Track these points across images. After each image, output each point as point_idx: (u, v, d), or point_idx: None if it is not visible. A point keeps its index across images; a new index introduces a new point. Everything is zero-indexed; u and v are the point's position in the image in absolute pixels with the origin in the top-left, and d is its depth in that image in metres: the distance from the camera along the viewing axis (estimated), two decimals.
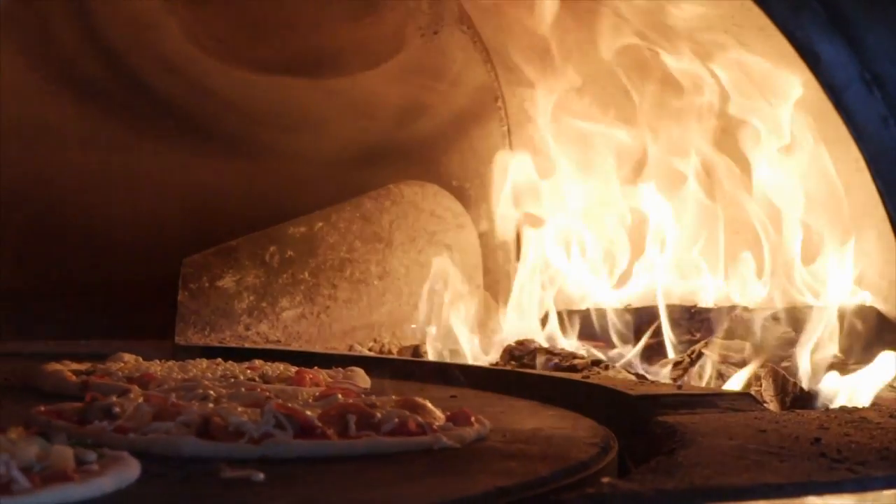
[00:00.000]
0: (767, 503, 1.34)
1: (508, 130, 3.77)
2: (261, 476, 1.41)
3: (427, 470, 1.53)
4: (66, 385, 2.21)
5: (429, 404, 1.76)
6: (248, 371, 2.30)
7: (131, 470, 1.37)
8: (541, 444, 1.73)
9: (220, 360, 2.43)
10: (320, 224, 3.47)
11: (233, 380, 2.16)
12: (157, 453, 1.51)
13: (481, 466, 1.55)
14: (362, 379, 2.33)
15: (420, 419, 1.68)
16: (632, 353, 2.92)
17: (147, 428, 1.60)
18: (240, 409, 1.66)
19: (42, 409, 1.77)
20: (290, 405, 1.67)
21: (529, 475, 1.47)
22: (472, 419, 1.75)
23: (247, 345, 3.19)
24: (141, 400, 1.73)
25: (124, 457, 1.40)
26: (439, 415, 1.74)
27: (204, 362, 2.39)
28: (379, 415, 1.66)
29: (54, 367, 2.36)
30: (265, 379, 2.23)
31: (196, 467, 1.46)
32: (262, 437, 1.56)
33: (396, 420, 1.65)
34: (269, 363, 2.40)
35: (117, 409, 1.67)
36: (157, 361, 2.40)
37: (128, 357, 2.45)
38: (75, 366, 2.37)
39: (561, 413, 2.04)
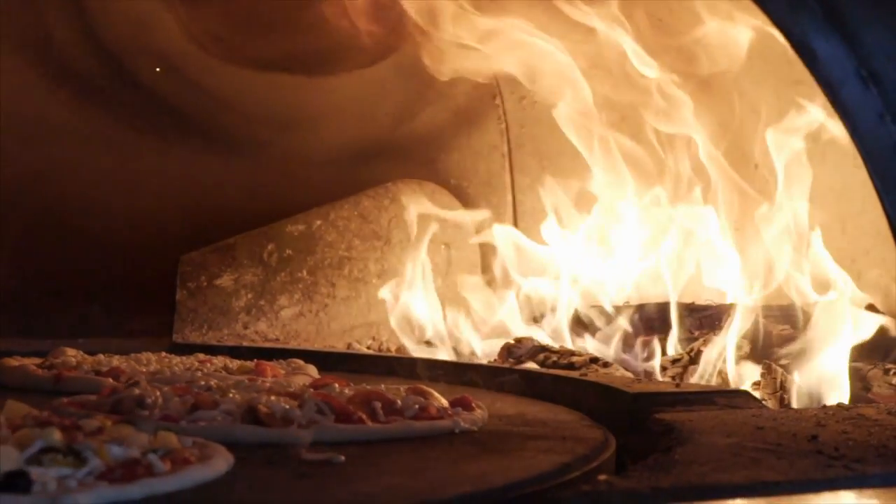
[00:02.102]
0: (764, 500, 1.34)
1: (507, 128, 3.77)
2: (341, 458, 1.48)
3: (479, 450, 1.64)
4: (36, 380, 2.23)
5: (434, 392, 1.85)
6: (208, 364, 2.35)
7: (228, 454, 1.42)
8: (542, 426, 1.84)
9: (164, 353, 2.48)
10: (319, 222, 3.47)
11: (199, 372, 2.21)
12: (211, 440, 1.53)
13: (518, 446, 1.66)
14: (312, 370, 2.38)
15: (436, 404, 1.80)
16: (630, 351, 2.92)
17: (193, 416, 1.66)
18: (272, 397, 1.73)
19: (65, 400, 1.80)
20: (325, 393, 1.77)
21: (573, 453, 1.59)
22: (474, 404, 1.85)
23: (245, 343, 3.19)
24: (158, 393, 1.77)
25: (210, 443, 1.45)
26: (444, 401, 1.83)
27: (153, 356, 2.43)
28: (399, 401, 1.76)
29: (12, 362, 2.37)
30: (228, 371, 2.28)
31: (266, 452, 1.52)
32: (308, 423, 1.65)
33: (417, 406, 1.76)
34: (213, 357, 2.46)
35: (150, 400, 1.71)
36: (102, 356, 2.40)
37: (72, 352, 2.45)
38: (28, 361, 2.39)
39: (523, 400, 2.16)
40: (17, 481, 1.16)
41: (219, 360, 2.42)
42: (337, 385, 1.87)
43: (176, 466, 1.31)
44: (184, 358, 2.44)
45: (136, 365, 2.30)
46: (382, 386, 1.87)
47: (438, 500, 1.31)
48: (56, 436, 1.28)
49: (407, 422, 1.73)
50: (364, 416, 1.70)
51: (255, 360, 2.39)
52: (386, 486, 1.38)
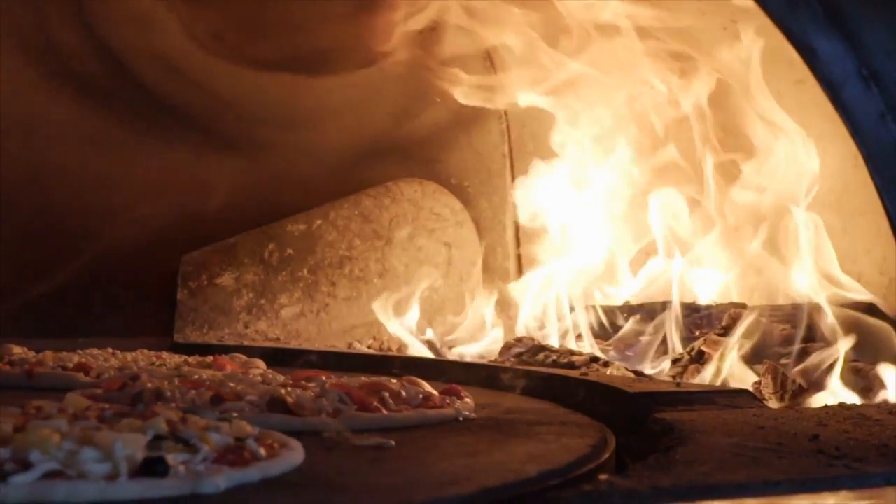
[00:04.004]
0: (765, 500, 1.34)
1: (507, 128, 3.77)
2: (392, 443, 1.55)
3: (502, 435, 1.72)
4: (8, 376, 2.26)
5: (424, 382, 1.94)
6: (167, 359, 2.41)
7: (296, 441, 1.46)
8: (533, 413, 1.94)
9: (110, 348, 2.52)
10: (319, 222, 3.47)
11: (164, 367, 2.27)
12: None
13: (531, 431, 1.73)
14: (260, 363, 2.43)
15: (436, 393, 1.88)
16: (631, 350, 2.92)
17: (223, 407, 1.70)
18: (289, 388, 1.80)
19: (78, 393, 1.83)
20: (342, 383, 1.86)
21: (589, 436, 1.68)
22: (462, 394, 1.93)
23: (245, 342, 3.19)
24: (166, 385, 1.83)
25: (272, 432, 1.49)
26: (434, 391, 1.91)
27: (101, 353, 2.47)
28: (404, 392, 1.84)
29: None
30: (188, 365, 2.33)
31: (314, 439, 1.55)
32: (334, 412, 1.71)
33: (421, 396, 1.85)
34: (160, 352, 2.52)
35: (169, 393, 1.77)
36: (48, 352, 2.43)
37: (17, 349, 2.48)
38: None
39: (486, 391, 2.23)
40: (155, 466, 1.22)
41: (167, 355, 2.48)
42: (324, 377, 1.94)
43: (269, 452, 1.37)
44: (135, 353, 2.49)
45: (93, 361, 2.34)
46: (362, 378, 1.96)
47: (525, 479, 1.37)
48: (163, 425, 1.33)
49: (420, 410, 1.80)
50: (379, 405, 1.77)
51: (213, 355, 2.45)
52: (463, 466, 1.43)
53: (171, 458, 1.25)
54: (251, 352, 2.66)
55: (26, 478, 1.17)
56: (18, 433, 1.26)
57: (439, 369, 2.55)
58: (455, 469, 1.41)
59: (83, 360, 2.33)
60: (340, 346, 3.34)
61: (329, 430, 1.61)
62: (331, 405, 1.73)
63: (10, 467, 1.19)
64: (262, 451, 1.35)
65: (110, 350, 2.51)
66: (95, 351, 2.48)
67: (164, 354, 2.50)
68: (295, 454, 1.39)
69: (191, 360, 2.41)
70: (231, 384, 1.84)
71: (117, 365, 2.30)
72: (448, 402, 1.87)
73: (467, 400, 1.91)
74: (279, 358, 2.69)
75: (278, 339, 3.31)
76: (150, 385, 1.82)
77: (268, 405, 1.71)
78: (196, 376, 1.99)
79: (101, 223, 3.40)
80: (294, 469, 1.36)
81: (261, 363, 2.42)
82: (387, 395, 1.81)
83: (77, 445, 1.23)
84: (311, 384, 1.86)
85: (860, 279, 2.87)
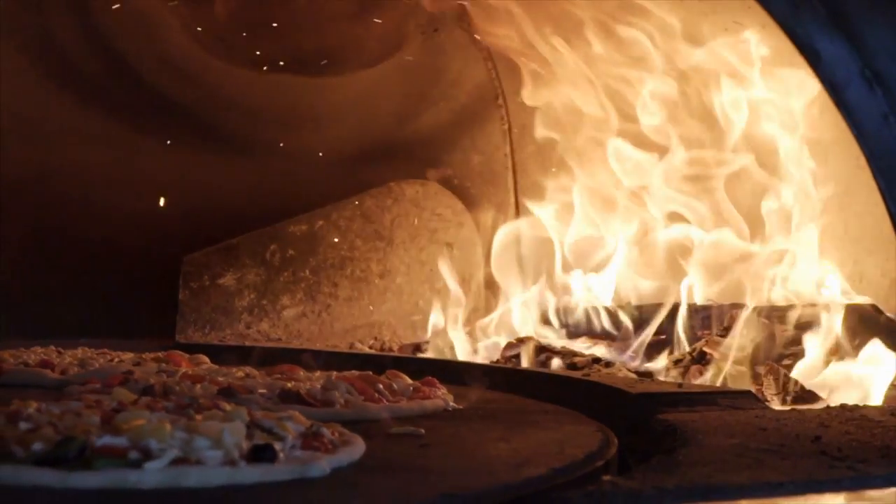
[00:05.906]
0: (768, 501, 1.33)
1: (509, 129, 3.77)
2: (422, 431, 1.60)
3: (507, 423, 1.76)
4: None
5: (405, 376, 2.01)
6: (120, 355, 2.47)
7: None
8: (507, 403, 2.03)
9: (52, 346, 2.57)
10: (321, 222, 3.47)
11: (122, 362, 2.32)
12: None
13: (528, 419, 1.79)
14: (204, 359, 2.48)
15: (424, 386, 1.95)
16: (632, 349, 2.92)
17: (239, 400, 1.72)
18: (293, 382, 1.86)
19: (81, 388, 1.89)
20: (345, 375, 1.92)
21: (588, 423, 1.75)
22: (438, 385, 2.01)
23: (247, 343, 3.19)
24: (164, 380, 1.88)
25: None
26: (417, 383, 1.99)
27: (45, 350, 2.53)
28: (395, 385, 1.91)
29: None
30: (143, 360, 2.39)
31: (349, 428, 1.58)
32: (346, 403, 1.77)
33: (412, 388, 1.92)
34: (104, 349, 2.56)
35: (178, 388, 1.82)
36: None
37: None
38: None
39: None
40: (264, 453, 1.29)
41: (110, 352, 2.52)
42: (301, 372, 2.01)
43: (342, 443, 1.41)
44: (81, 350, 2.54)
45: (48, 358, 2.37)
46: (334, 373, 2.01)
47: (578, 461, 1.43)
48: (246, 415, 1.40)
49: (418, 401, 1.86)
50: (380, 397, 1.83)
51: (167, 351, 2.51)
52: (509, 450, 1.48)
53: (276, 445, 1.30)
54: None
55: (159, 464, 1.22)
56: (110, 425, 1.31)
57: (441, 369, 2.54)
58: (506, 453, 1.47)
59: (39, 357, 2.38)
60: (342, 347, 3.35)
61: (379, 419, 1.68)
62: (342, 396, 1.77)
63: (135, 455, 1.24)
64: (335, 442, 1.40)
65: (52, 348, 2.55)
66: (39, 349, 2.52)
67: (106, 350, 2.54)
68: (360, 441, 1.43)
69: (145, 355, 2.45)
70: (220, 378, 1.86)
71: (76, 362, 2.35)
72: (433, 393, 1.93)
73: (444, 390, 1.98)
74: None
75: (280, 339, 3.32)
76: (153, 381, 1.84)
77: (280, 397, 1.72)
78: (181, 372, 2.02)
79: (103, 223, 3.40)
80: (364, 454, 1.41)
81: (205, 358, 2.45)
82: (381, 387, 1.87)
83: (187, 434, 1.29)
84: (296, 378, 1.92)
85: (862, 280, 2.87)
